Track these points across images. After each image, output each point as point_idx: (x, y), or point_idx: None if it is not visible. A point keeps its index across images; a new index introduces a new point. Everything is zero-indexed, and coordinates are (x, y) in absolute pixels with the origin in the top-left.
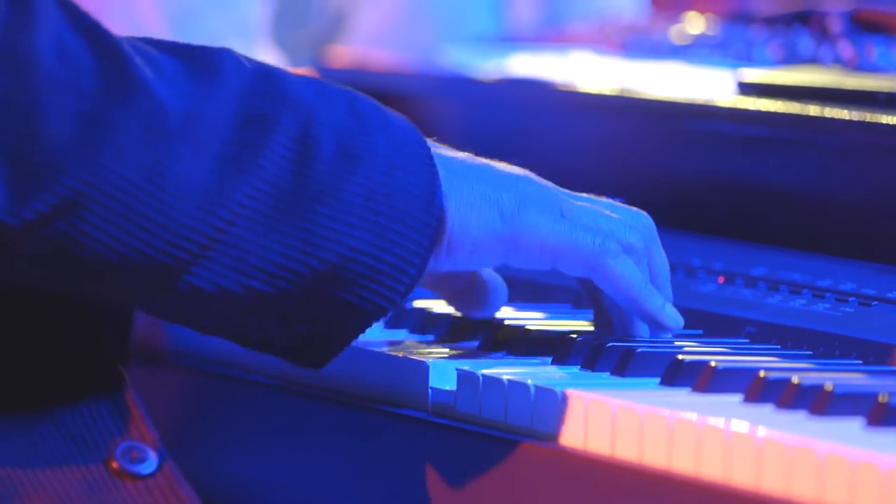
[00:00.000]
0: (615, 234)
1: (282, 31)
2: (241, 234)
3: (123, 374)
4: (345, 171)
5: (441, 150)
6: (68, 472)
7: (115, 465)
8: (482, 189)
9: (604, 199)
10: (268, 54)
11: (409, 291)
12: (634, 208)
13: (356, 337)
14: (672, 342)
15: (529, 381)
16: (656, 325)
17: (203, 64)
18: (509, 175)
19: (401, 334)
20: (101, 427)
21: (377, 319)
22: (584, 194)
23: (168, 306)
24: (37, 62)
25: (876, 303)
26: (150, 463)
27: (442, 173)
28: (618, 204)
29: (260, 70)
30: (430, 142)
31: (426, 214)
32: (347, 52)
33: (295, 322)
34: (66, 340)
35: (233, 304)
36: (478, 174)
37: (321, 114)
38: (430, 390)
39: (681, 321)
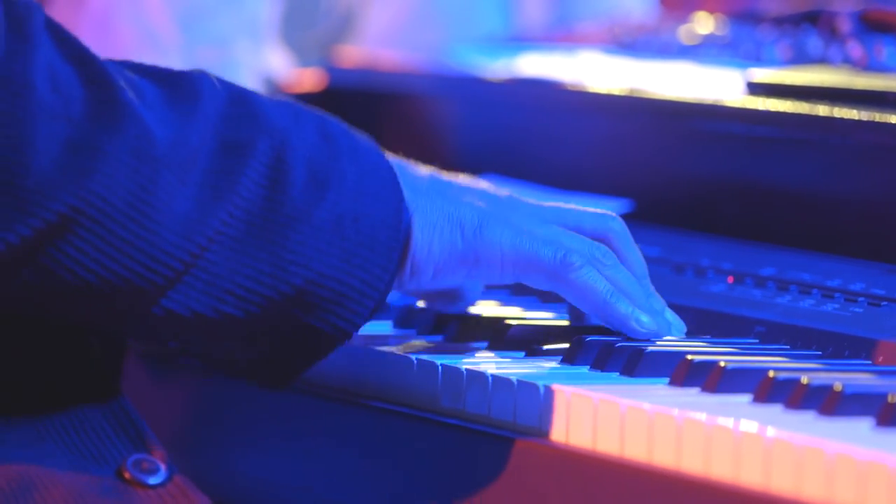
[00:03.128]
0: (576, 246)
1: (291, 31)
2: (215, 259)
3: (119, 390)
4: (315, 198)
5: (406, 169)
6: (83, 477)
7: (126, 474)
8: (445, 208)
9: (569, 207)
10: (277, 54)
11: (372, 316)
12: (603, 211)
13: (318, 360)
14: (681, 342)
15: (539, 382)
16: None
17: (182, 90)
18: (471, 191)
19: (410, 334)
20: (108, 445)
21: (340, 344)
22: (549, 204)
23: (140, 329)
24: (31, 88)
25: (885, 303)
26: (161, 474)
27: (407, 194)
28: (584, 210)
29: (235, 94)
30: (394, 159)
31: (392, 240)
32: (356, 52)
33: (259, 344)
34: (61, 356)
35: (202, 327)
36: (441, 192)
37: (294, 139)
38: (439, 390)
39: (653, 326)
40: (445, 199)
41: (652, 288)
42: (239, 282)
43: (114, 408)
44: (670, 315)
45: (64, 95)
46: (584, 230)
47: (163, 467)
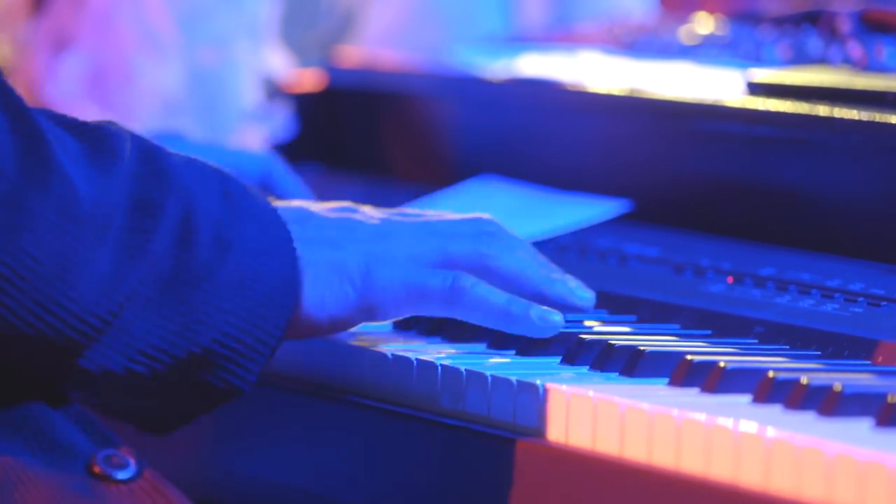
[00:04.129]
0: (460, 265)
1: (291, 32)
2: (130, 318)
3: (68, 399)
4: (218, 258)
5: (299, 217)
6: (58, 470)
7: (96, 469)
8: (332, 258)
9: (440, 219)
10: (277, 54)
11: (260, 372)
12: (471, 215)
13: (204, 413)
14: (680, 341)
15: (538, 382)
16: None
17: (102, 146)
18: (353, 229)
19: (410, 335)
20: (76, 440)
21: (227, 401)
22: (423, 215)
23: (47, 380)
24: None
25: (885, 303)
26: (131, 469)
27: (299, 249)
28: (452, 217)
29: (144, 151)
30: (287, 209)
31: (286, 297)
32: (356, 53)
33: (155, 398)
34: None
35: (107, 383)
36: (328, 240)
37: (199, 198)
38: (438, 391)
39: (554, 319)
40: (331, 247)
41: (545, 261)
42: (151, 342)
43: (70, 413)
44: (573, 283)
45: None
46: (460, 258)
47: (132, 462)
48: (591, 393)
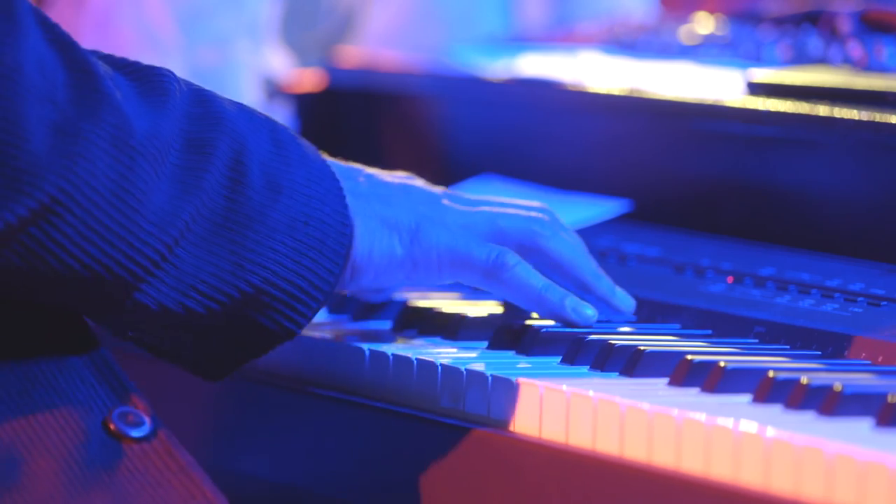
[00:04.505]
0: (510, 239)
1: (291, 32)
2: (183, 255)
3: (98, 342)
4: (270, 200)
5: (348, 173)
6: (70, 433)
7: (112, 426)
8: (383, 213)
9: (499, 200)
10: (277, 54)
11: (313, 316)
12: (531, 202)
13: (258, 357)
14: (680, 341)
15: (538, 382)
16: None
17: (152, 85)
18: (407, 191)
19: (409, 335)
20: (93, 395)
21: (282, 342)
22: (481, 197)
23: (107, 317)
24: (21, 71)
25: (885, 303)
26: (145, 427)
27: (349, 200)
28: (513, 201)
29: (196, 94)
30: (336, 164)
31: (338, 244)
32: (356, 53)
33: (210, 339)
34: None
35: (164, 320)
36: (379, 197)
37: (251, 142)
38: (438, 391)
39: (587, 313)
40: (383, 204)
41: (596, 266)
42: (203, 278)
43: (95, 359)
44: (620, 293)
45: (50, 79)
46: (511, 232)
47: (147, 420)
48: (591, 392)
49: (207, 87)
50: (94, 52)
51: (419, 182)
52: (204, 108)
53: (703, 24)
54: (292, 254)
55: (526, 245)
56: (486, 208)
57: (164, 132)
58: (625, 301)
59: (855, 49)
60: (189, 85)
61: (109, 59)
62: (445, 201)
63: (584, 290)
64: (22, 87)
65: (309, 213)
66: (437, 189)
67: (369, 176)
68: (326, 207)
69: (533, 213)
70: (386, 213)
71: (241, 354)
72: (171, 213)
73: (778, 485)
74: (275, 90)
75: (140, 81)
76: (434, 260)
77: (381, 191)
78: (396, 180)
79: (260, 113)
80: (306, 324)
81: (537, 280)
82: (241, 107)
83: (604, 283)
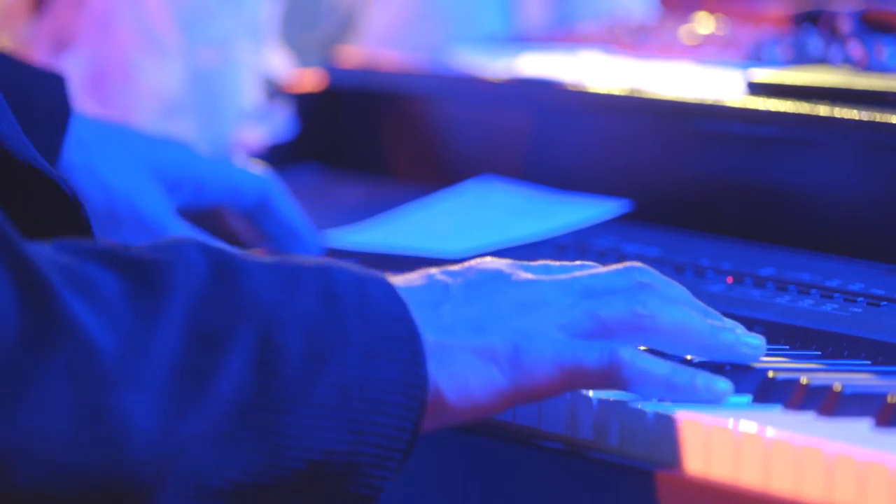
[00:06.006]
0: (621, 327)
1: (291, 32)
2: (196, 458)
3: None
4: (314, 372)
5: (431, 297)
6: None
7: None
8: (475, 343)
9: (590, 274)
10: (277, 54)
11: (399, 472)
12: (622, 265)
13: None
14: None
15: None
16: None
17: (150, 282)
18: (494, 302)
19: None
20: None
21: None
22: (570, 276)
23: None
24: None
25: (885, 303)
26: None
27: (428, 338)
28: (602, 271)
29: (217, 271)
30: (415, 289)
31: (409, 398)
32: (357, 53)
33: None
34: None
35: None
36: (467, 323)
37: (284, 313)
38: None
39: (720, 388)
40: (472, 331)
41: (703, 307)
42: (230, 478)
43: None
44: (739, 329)
45: None
46: (616, 323)
47: None
48: (591, 394)
49: (207, 88)
50: (90, 246)
51: (499, 274)
52: (222, 288)
53: (703, 24)
54: (346, 425)
55: (634, 331)
56: (583, 299)
57: (153, 342)
58: (752, 344)
59: (855, 49)
60: (214, 259)
61: (108, 254)
62: (536, 295)
63: (708, 351)
64: None
65: (367, 375)
66: (520, 273)
67: (449, 294)
68: (393, 364)
69: (632, 282)
70: (477, 342)
71: None
72: (167, 430)
73: (777, 485)
74: (275, 90)
75: (136, 281)
76: (544, 381)
77: (466, 312)
78: (477, 288)
79: (314, 265)
80: (387, 485)
81: (660, 367)
82: (279, 271)
83: (723, 337)
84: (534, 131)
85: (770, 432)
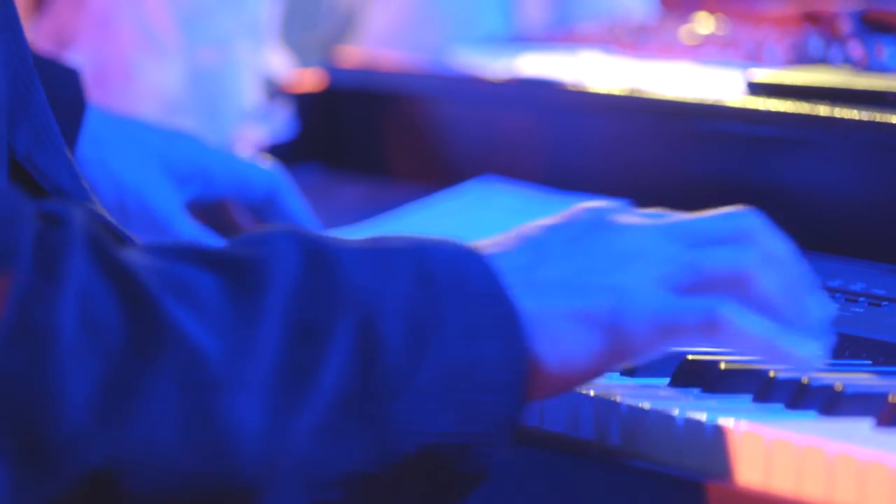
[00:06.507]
0: (722, 282)
1: (291, 32)
2: (305, 453)
3: None
4: (416, 357)
5: (527, 257)
6: None
7: None
8: (575, 306)
9: (692, 220)
10: (277, 54)
11: (510, 447)
12: (728, 210)
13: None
14: None
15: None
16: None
17: (246, 281)
18: (592, 256)
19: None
20: None
21: (475, 487)
22: (670, 221)
23: None
24: (55, 335)
25: (886, 303)
26: None
27: (527, 305)
28: (707, 216)
29: (313, 260)
30: (510, 253)
31: (513, 374)
32: (357, 53)
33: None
34: None
35: None
36: (565, 284)
37: (382, 301)
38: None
39: (819, 358)
40: (572, 293)
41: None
42: (341, 469)
43: None
44: (807, 347)
45: (96, 328)
46: (720, 277)
47: None
48: (591, 393)
49: (207, 88)
50: (188, 247)
51: (597, 221)
52: (320, 277)
53: (703, 24)
54: (453, 406)
55: (734, 286)
56: (685, 250)
57: (256, 342)
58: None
59: (855, 49)
60: (308, 249)
61: (204, 255)
62: (634, 245)
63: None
64: (57, 353)
65: (470, 354)
66: (620, 218)
67: (544, 252)
68: (493, 342)
69: (737, 231)
70: (576, 304)
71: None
72: (275, 428)
73: (778, 484)
74: (275, 90)
75: (233, 280)
76: (644, 341)
77: (563, 272)
78: (573, 241)
79: (403, 247)
80: (499, 462)
81: (761, 329)
82: (373, 254)
83: (794, 348)
84: (534, 131)
85: (771, 432)
